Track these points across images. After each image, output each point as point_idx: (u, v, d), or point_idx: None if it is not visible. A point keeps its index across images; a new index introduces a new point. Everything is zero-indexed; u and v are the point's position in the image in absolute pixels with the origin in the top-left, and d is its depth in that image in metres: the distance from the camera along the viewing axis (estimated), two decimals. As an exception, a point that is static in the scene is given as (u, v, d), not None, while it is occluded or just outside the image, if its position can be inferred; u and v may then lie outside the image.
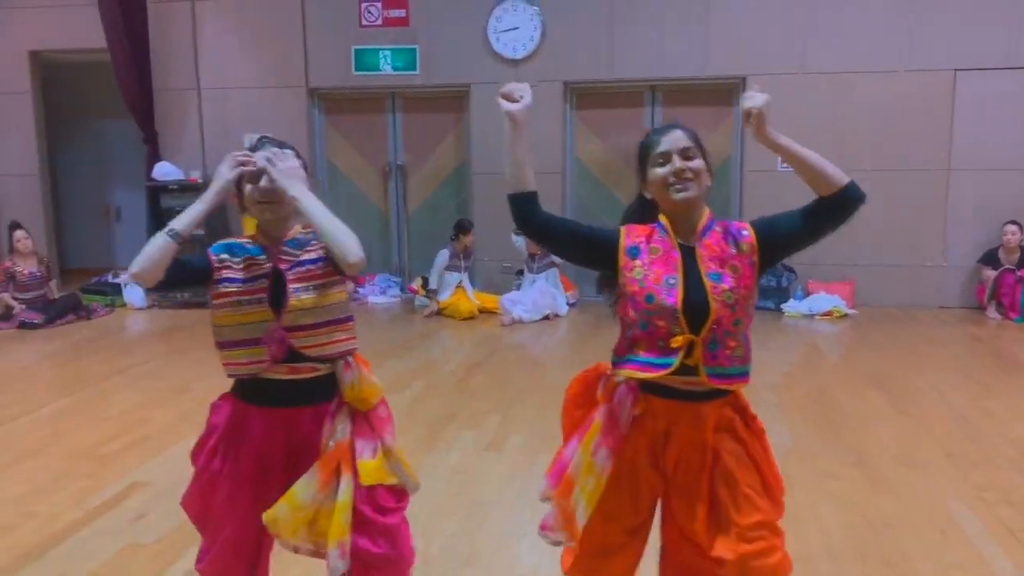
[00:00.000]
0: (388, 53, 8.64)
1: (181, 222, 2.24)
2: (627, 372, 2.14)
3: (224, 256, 2.29)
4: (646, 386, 2.15)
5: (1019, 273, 7.46)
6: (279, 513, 2.21)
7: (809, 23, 7.86)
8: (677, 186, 2.12)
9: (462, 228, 7.94)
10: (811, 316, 7.58)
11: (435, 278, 7.91)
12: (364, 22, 8.66)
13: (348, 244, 2.17)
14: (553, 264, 7.94)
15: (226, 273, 2.26)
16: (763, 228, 2.16)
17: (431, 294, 7.99)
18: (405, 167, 9.06)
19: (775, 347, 6.69)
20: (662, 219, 2.19)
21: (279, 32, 8.79)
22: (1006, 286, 7.51)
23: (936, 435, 4.54)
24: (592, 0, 8.23)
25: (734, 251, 2.14)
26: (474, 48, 8.45)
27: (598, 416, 2.21)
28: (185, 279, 2.32)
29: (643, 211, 2.28)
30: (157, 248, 2.20)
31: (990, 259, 7.67)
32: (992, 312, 7.57)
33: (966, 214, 7.86)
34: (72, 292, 8.40)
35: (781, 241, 2.14)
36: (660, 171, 2.14)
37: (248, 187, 2.28)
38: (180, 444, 4.53)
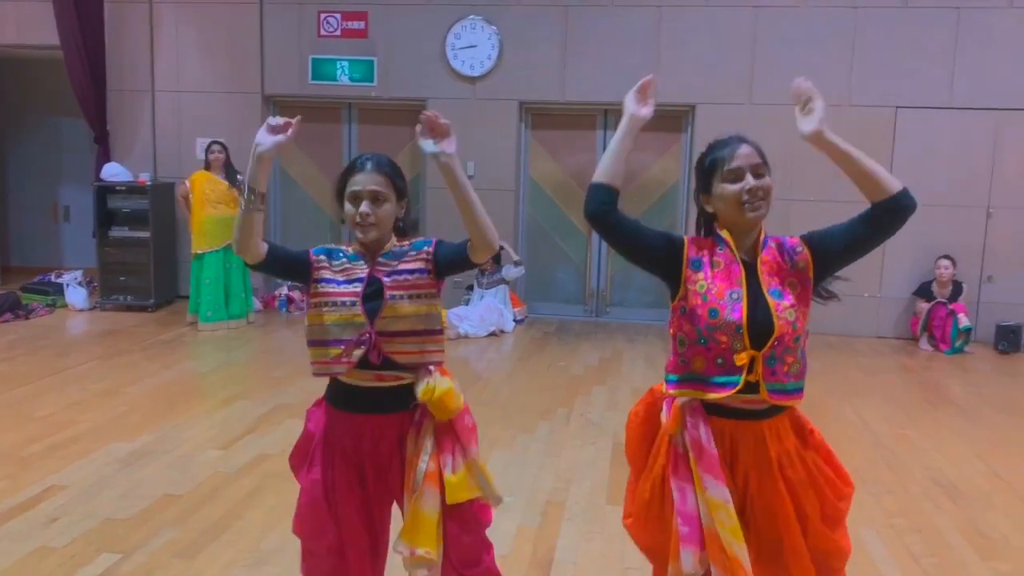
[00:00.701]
0: (345, 64, 8.67)
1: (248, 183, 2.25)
2: (693, 393, 2.14)
3: (322, 257, 2.35)
4: (708, 407, 2.16)
5: (951, 307, 7.69)
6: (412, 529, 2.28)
7: (758, 56, 8.05)
8: (752, 203, 2.14)
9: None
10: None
11: None
12: (322, 32, 8.68)
13: (490, 226, 2.26)
14: (503, 280, 8.00)
15: (324, 273, 2.32)
16: (817, 243, 2.20)
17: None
18: (358, 178, 9.07)
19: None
20: (724, 233, 2.19)
21: (236, 37, 8.78)
22: (938, 319, 7.73)
23: (854, 461, 4.65)
24: (548, 24, 8.34)
25: (790, 267, 2.19)
26: (432, 63, 8.52)
27: (679, 450, 2.18)
28: (284, 267, 2.39)
29: (707, 225, 2.29)
30: (238, 221, 2.25)
31: (924, 292, 7.89)
32: (924, 343, 7.77)
33: (903, 247, 8.06)
34: (11, 291, 8.26)
35: (835, 254, 2.18)
36: (732, 188, 2.15)
37: (349, 206, 2.31)
38: (104, 448, 4.50)
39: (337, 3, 8.64)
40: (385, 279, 2.30)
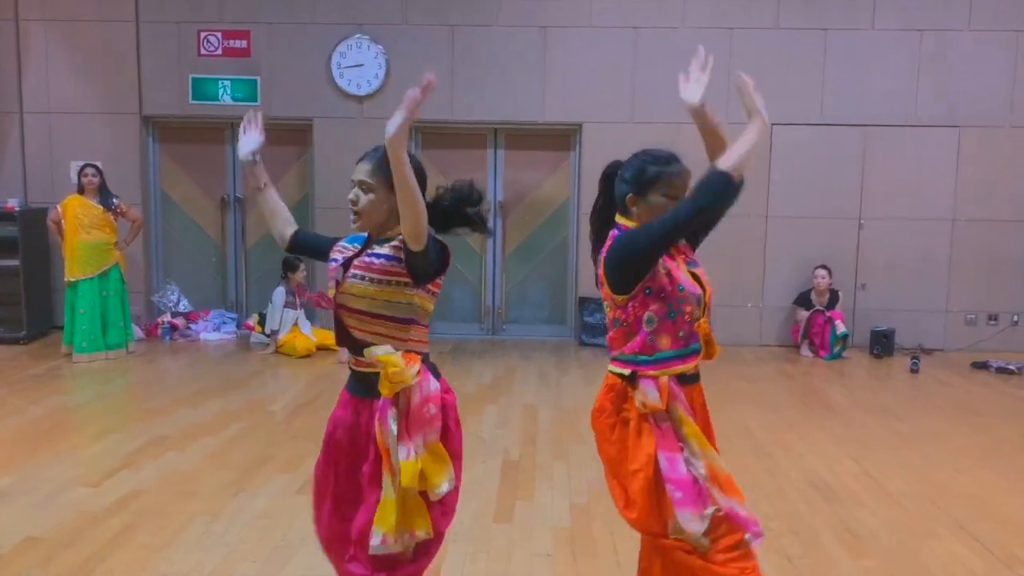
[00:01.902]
0: (227, 83, 8.46)
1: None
2: (671, 368, 2.39)
3: (342, 241, 2.55)
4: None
5: (828, 314, 8.03)
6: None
7: (639, 76, 8.26)
8: None
9: (289, 266, 7.80)
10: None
11: (275, 318, 7.70)
12: (203, 51, 8.45)
13: (415, 213, 2.24)
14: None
15: (333, 254, 2.51)
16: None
17: (272, 334, 7.76)
18: (244, 200, 8.84)
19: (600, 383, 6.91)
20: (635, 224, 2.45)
21: (111, 56, 8.45)
22: (817, 326, 8.06)
23: (734, 466, 4.73)
24: (435, 43, 8.36)
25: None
26: (317, 82, 8.40)
27: (662, 426, 2.38)
28: (311, 249, 2.70)
29: (609, 224, 2.52)
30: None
31: (803, 301, 8.22)
32: (805, 350, 8.09)
33: (782, 258, 8.41)
34: None
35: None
36: (664, 201, 2.40)
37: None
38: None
39: (218, 21, 8.43)
40: (355, 259, 2.41)
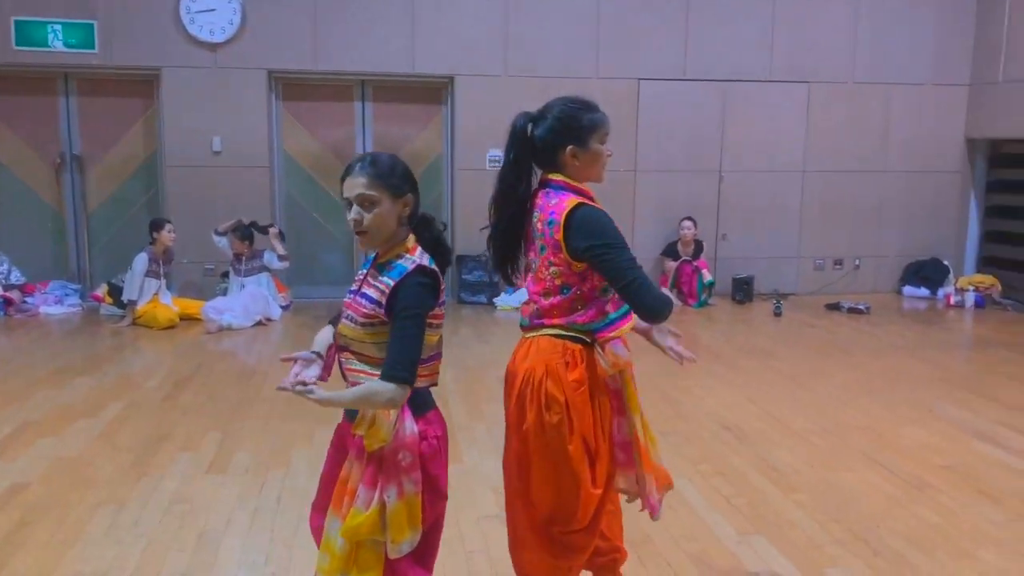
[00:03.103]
0: (58, 27, 7.55)
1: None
2: (625, 328, 2.41)
3: (362, 268, 2.29)
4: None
5: (695, 264, 8.35)
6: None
7: (512, 29, 8.14)
8: (606, 167, 2.44)
9: (156, 225, 7.15)
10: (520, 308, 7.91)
11: (134, 286, 7.03)
12: (27, -10, 7.50)
13: (381, 404, 2.04)
14: (265, 268, 7.46)
15: (353, 284, 2.27)
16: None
17: (129, 304, 7.10)
18: (83, 158, 8.00)
19: (495, 341, 6.86)
20: (587, 188, 2.41)
21: (-89, -7, 7.33)
22: (685, 275, 8.37)
23: (650, 416, 4.86)
24: (296, -14, 7.85)
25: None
26: (164, 28, 7.67)
27: (613, 387, 2.45)
28: None
29: (528, 178, 2.44)
30: None
31: (670, 252, 8.50)
32: (674, 299, 8.39)
33: (649, 211, 8.63)
34: None
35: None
36: (604, 148, 2.41)
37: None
38: None
39: (43, -44, 7.49)
40: (349, 296, 2.21)
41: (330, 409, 4.89)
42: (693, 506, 3.68)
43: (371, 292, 2.13)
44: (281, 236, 7.53)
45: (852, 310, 8.05)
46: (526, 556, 2.52)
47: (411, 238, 2.18)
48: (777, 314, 7.91)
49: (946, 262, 8.98)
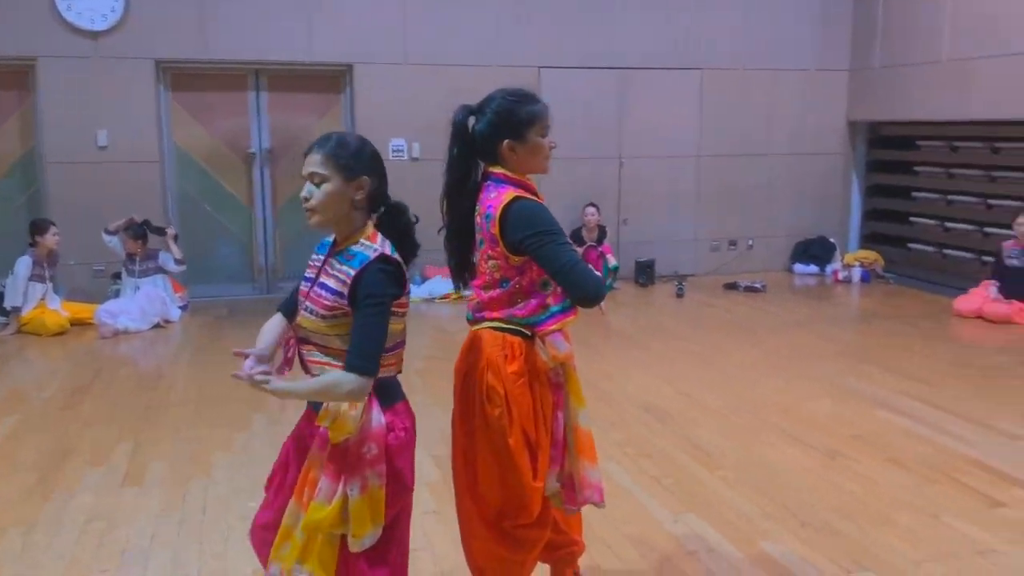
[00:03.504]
0: (-84, 14, 6.96)
1: None
2: (568, 321, 2.39)
3: (314, 254, 2.23)
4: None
5: (600, 249, 8.47)
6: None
7: (412, 16, 8.01)
8: (550, 158, 2.42)
9: (38, 228, 6.71)
10: (431, 300, 7.85)
11: (17, 291, 6.57)
12: None
13: (334, 394, 2.00)
14: (160, 269, 7.11)
15: (307, 272, 2.21)
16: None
17: (13, 311, 6.63)
18: (-50, 155, 7.41)
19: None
20: (528, 181, 2.39)
21: None
22: (590, 261, 8.30)
23: (573, 402, 4.94)
24: (182, -29, 7.48)
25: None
26: (39, 15, 7.17)
27: (555, 381, 2.43)
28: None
29: (475, 172, 2.42)
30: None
31: (576, 237, 8.59)
32: (582, 285, 8.50)
33: (554, 198, 8.65)
34: None
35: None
36: (544, 141, 2.39)
37: None
38: None
39: None
40: (310, 285, 2.13)
41: (247, 414, 4.75)
42: (626, 489, 3.75)
43: (331, 282, 2.07)
44: (176, 238, 7.21)
45: (748, 289, 8.36)
46: (478, 549, 2.51)
47: (370, 225, 2.12)
48: (679, 295, 8.13)
49: (832, 240, 9.43)
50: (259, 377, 2.04)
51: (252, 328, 7.00)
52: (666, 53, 8.77)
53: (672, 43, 8.77)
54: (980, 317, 6.97)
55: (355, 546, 2.07)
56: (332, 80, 8.13)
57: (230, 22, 7.58)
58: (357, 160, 2.08)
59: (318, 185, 2.05)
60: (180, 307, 7.25)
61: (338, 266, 2.08)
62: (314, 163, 2.06)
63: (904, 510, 3.52)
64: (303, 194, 2.07)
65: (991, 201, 7.90)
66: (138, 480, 3.88)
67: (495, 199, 2.32)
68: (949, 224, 8.40)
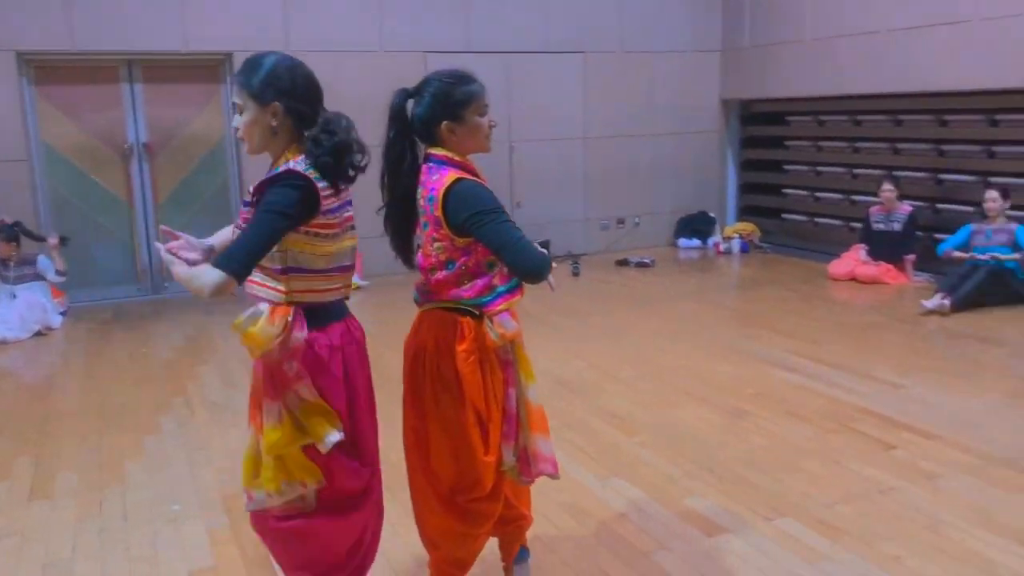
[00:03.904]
0: None
1: None
2: (515, 301, 2.44)
3: None
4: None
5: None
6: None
7: (291, 1, 7.83)
8: (490, 136, 2.46)
9: None
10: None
11: None
12: None
13: (200, 286, 2.02)
14: (38, 276, 6.71)
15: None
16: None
17: None
18: None
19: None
20: (469, 162, 2.42)
21: None
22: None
23: (488, 382, 5.01)
24: (41, -44, 7.03)
25: None
26: None
27: (506, 358, 2.45)
28: None
29: (413, 153, 2.42)
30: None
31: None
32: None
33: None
34: None
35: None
36: (483, 120, 2.42)
37: None
38: None
39: None
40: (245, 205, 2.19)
41: (153, 418, 4.62)
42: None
43: (253, 199, 2.11)
44: (62, 244, 6.82)
45: (639, 264, 8.65)
46: (433, 524, 2.55)
47: (294, 148, 2.16)
48: (575, 274, 8.33)
49: (712, 214, 9.86)
50: (166, 256, 2.12)
51: (141, 331, 6.82)
52: (549, 37, 8.92)
53: (553, 27, 8.92)
54: (852, 279, 7.48)
55: (324, 447, 2.16)
56: (211, 70, 7.85)
57: (98, 11, 7.20)
58: (266, 86, 2.11)
59: (240, 114, 2.15)
60: (60, 313, 6.87)
61: (269, 178, 2.13)
62: (234, 92, 2.17)
63: (809, 458, 3.79)
64: (233, 124, 2.19)
65: (856, 171, 8.47)
66: (47, 493, 3.69)
67: (437, 181, 2.35)
68: (819, 194, 8.95)
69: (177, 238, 2.19)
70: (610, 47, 9.22)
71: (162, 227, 2.29)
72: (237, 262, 1.98)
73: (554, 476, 2.62)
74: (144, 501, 3.58)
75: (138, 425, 4.51)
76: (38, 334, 6.46)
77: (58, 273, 6.79)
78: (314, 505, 2.24)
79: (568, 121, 9.19)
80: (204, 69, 7.82)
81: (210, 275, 1.96)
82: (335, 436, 2.16)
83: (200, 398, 4.93)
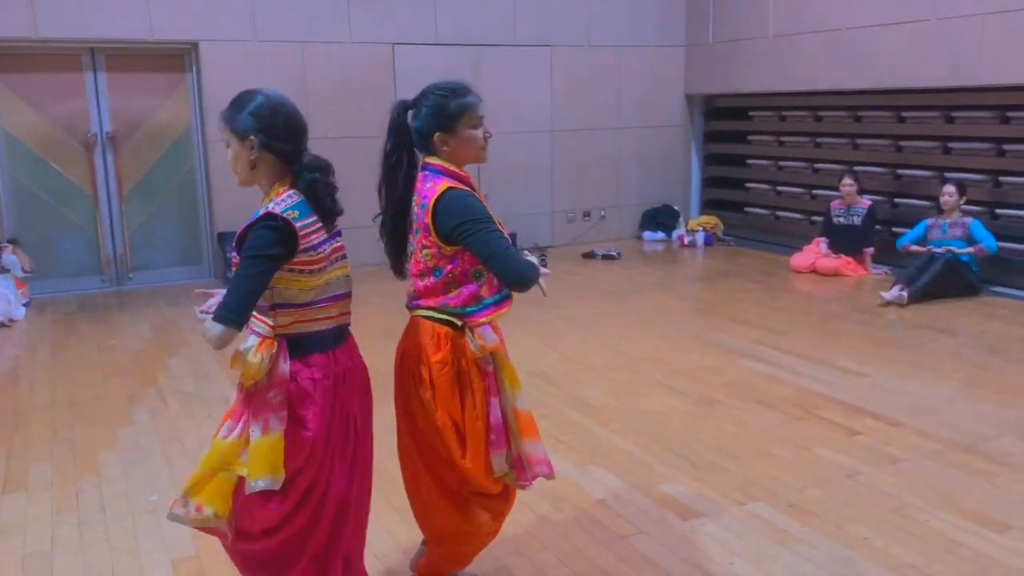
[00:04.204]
0: None
1: None
2: (501, 313, 2.48)
3: None
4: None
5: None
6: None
7: (257, -9, 7.77)
8: (486, 148, 2.48)
9: None
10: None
11: None
12: None
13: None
14: (3, 270, 6.60)
15: None
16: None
17: None
18: None
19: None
20: (463, 172, 2.45)
21: None
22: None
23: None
24: (1, -59, 6.89)
25: None
26: None
27: (488, 369, 2.49)
28: None
29: (411, 163, 2.46)
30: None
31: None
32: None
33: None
34: None
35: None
36: (477, 133, 2.44)
37: None
38: None
39: None
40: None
41: (125, 409, 4.62)
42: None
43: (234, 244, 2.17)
44: (16, 244, 6.74)
45: (606, 256, 8.75)
46: (438, 523, 2.60)
47: (278, 185, 2.18)
48: (543, 266, 8.38)
49: (676, 207, 10.00)
50: (203, 316, 2.19)
51: (106, 323, 6.76)
52: (516, 31, 8.96)
53: (521, 21, 8.96)
54: (813, 271, 7.66)
55: (250, 488, 2.16)
56: (176, 59, 7.76)
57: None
58: (244, 121, 2.14)
59: (228, 148, 2.20)
60: (23, 304, 6.77)
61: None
62: (220, 128, 2.20)
63: (778, 445, 3.90)
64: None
65: (817, 165, 8.66)
66: (21, 485, 3.67)
67: (430, 189, 2.38)
68: (781, 188, 9.13)
69: (213, 295, 2.26)
70: (577, 41, 9.29)
71: (195, 291, 2.35)
72: (234, 311, 2.03)
73: (549, 477, 2.64)
74: (121, 493, 3.58)
75: (110, 417, 4.48)
76: (1, 326, 6.36)
77: (25, 272, 6.70)
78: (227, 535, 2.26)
79: (535, 114, 9.25)
80: (169, 58, 7.73)
81: (213, 329, 2.03)
82: (265, 485, 2.14)
83: (171, 389, 4.91)
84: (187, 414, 4.51)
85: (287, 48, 7.87)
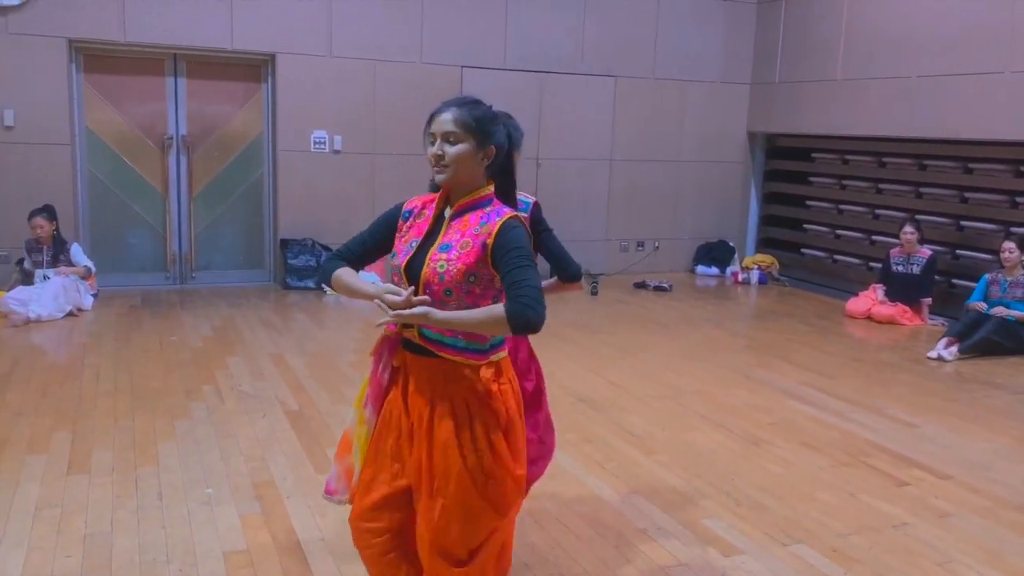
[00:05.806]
0: None
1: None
2: (383, 325, 2.22)
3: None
4: (405, 341, 2.27)
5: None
6: None
7: (336, 8, 7.99)
8: (436, 168, 2.23)
9: None
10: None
11: None
12: None
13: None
14: (69, 263, 6.87)
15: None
16: (501, 234, 2.16)
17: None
18: None
19: (332, 325, 6.80)
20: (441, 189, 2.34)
21: None
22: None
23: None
24: (99, -51, 7.24)
25: (477, 230, 2.19)
26: (-61, -15, 6.82)
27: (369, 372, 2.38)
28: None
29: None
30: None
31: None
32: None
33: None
34: None
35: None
36: (430, 150, 2.23)
37: None
38: None
39: None
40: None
41: (183, 403, 4.72)
42: (574, 474, 3.97)
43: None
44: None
45: (657, 288, 8.77)
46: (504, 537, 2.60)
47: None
48: (594, 293, 8.44)
49: (732, 243, 9.98)
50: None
51: (168, 319, 6.98)
52: (583, 59, 9.07)
53: (588, 49, 9.08)
54: (868, 318, 7.57)
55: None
56: (253, 69, 8.03)
57: (150, 4, 7.39)
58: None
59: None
60: (92, 295, 7.03)
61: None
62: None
63: (823, 489, 3.89)
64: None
65: (878, 211, 8.58)
66: (84, 468, 3.82)
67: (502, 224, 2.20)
68: (840, 232, 9.06)
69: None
70: (642, 73, 9.37)
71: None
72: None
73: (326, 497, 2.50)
74: (177, 483, 3.70)
75: (169, 409, 4.64)
76: (70, 314, 6.61)
77: (88, 269, 6.96)
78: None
79: (596, 142, 9.34)
80: (247, 68, 8.00)
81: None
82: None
83: (229, 387, 5.06)
84: (243, 412, 4.64)
85: (360, 65, 8.09)
